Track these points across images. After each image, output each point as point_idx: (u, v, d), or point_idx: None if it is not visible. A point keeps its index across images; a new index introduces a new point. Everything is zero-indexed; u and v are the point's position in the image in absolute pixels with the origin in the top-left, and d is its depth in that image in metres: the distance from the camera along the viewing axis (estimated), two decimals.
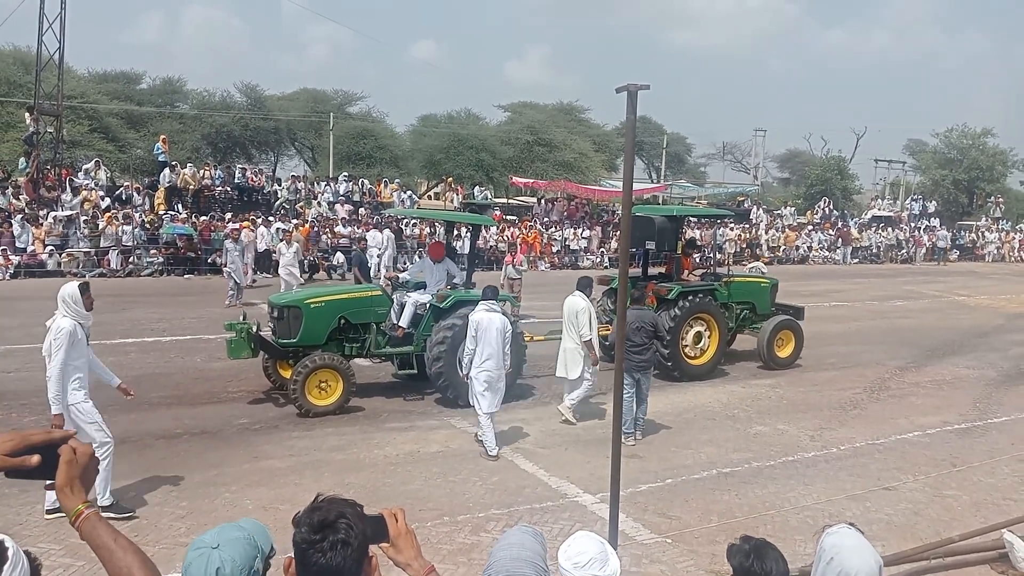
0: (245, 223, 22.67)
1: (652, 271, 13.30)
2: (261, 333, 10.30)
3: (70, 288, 6.61)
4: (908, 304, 22.78)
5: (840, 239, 37.58)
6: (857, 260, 37.01)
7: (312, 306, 10.26)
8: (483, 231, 25.16)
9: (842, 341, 15.98)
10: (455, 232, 21.54)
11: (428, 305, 10.63)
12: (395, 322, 10.67)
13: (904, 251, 38.87)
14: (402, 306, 10.76)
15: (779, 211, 42.75)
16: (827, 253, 36.82)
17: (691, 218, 25.77)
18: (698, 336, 12.25)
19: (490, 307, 8.49)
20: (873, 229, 39.66)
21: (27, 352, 12.27)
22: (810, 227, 39.20)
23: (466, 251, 20.25)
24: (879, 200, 51.09)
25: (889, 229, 40.10)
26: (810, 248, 36.70)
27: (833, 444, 9.23)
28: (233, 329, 10.07)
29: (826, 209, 43.26)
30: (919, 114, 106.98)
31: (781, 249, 35.97)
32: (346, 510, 1.99)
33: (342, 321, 10.43)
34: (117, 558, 1.71)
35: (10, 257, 20.54)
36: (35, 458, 1.71)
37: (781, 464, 8.49)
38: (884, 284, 27.68)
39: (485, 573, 2.46)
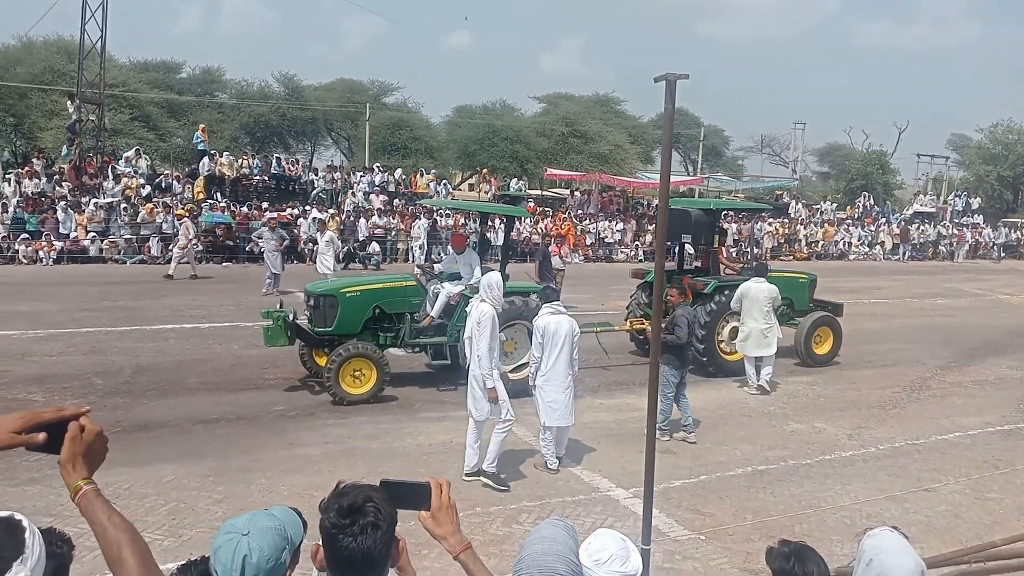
0: (181, 210, 22.41)
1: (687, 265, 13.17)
2: (297, 321, 10.41)
3: (495, 276, 7.38)
4: (950, 302, 22.31)
5: (900, 236, 37.00)
6: (898, 257, 36.35)
7: (348, 295, 10.33)
8: (517, 223, 25.12)
9: (882, 339, 15.70)
10: (489, 223, 21.52)
11: (461, 295, 10.64)
12: (428, 312, 10.71)
13: (943, 248, 38.12)
14: (436, 296, 10.79)
15: (818, 206, 42.14)
16: (867, 249, 36.21)
17: (728, 212, 25.48)
18: (734, 331, 12.11)
19: (556, 309, 7.73)
20: (915, 225, 38.96)
21: (70, 336, 12.55)
22: (848, 222, 38.56)
23: (500, 243, 20.24)
24: (921, 196, 50.07)
25: (931, 225, 39.37)
26: (849, 244, 36.11)
27: (871, 443, 9.07)
28: (270, 317, 10.18)
29: (866, 204, 42.53)
30: (963, 109, 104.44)
31: (820, 244, 35.45)
32: (372, 494, 2.00)
33: (377, 311, 10.47)
34: (109, 535, 1.73)
35: (54, 243, 21.01)
36: (41, 435, 1.75)
37: (818, 463, 8.37)
38: (925, 281, 27.15)
39: (516, 567, 2.44)
